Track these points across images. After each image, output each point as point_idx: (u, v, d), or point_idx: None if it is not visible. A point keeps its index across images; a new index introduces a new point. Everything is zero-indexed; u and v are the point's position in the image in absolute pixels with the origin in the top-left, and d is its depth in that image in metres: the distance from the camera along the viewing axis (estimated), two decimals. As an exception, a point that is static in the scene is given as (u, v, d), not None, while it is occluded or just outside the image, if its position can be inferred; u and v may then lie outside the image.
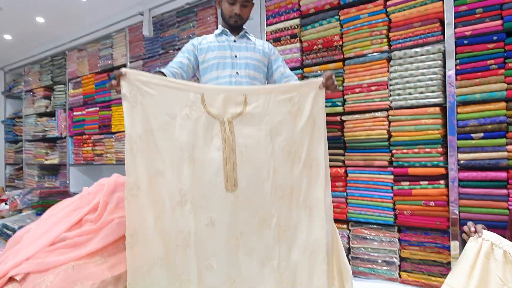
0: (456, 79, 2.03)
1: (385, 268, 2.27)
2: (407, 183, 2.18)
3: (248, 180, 1.63)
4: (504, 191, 1.90)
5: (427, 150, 2.12)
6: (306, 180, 1.71)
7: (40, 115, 5.03)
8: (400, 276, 2.22)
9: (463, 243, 2.05)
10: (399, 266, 2.23)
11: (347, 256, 2.10)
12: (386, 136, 2.27)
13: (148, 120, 1.57)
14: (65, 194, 3.88)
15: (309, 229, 1.69)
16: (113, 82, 1.56)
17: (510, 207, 1.87)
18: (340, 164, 2.43)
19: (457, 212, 2.02)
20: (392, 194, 2.24)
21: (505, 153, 1.90)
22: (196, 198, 1.59)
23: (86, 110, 4.25)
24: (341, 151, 2.43)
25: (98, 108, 4.11)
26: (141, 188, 1.56)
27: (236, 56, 1.97)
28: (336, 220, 1.80)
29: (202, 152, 1.61)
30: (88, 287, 1.44)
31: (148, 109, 1.57)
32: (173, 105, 1.59)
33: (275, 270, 1.65)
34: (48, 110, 4.86)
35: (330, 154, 2.15)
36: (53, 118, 4.77)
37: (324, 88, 1.72)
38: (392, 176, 2.24)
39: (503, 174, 1.91)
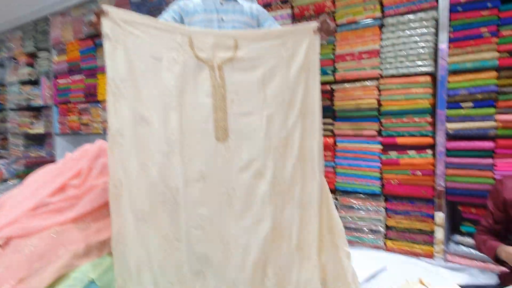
0: (449, 48, 1.99)
1: (371, 236, 2.30)
2: (395, 152, 2.18)
3: (239, 129, 1.57)
4: (490, 161, 1.91)
5: (416, 119, 2.11)
6: (301, 130, 1.64)
7: (24, 83, 4.88)
8: (385, 244, 2.26)
9: (448, 214, 2.09)
10: (385, 234, 2.26)
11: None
12: (376, 106, 2.24)
13: (131, 62, 1.48)
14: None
15: (303, 182, 1.63)
16: (93, 18, 1.45)
17: (495, 177, 1.89)
18: (329, 133, 2.42)
19: (443, 184, 2.03)
20: (380, 164, 2.25)
21: (494, 123, 1.90)
22: (185, 148, 1.51)
23: (71, 78, 4.13)
24: (330, 121, 2.41)
25: (83, 76, 3.99)
26: (124, 135, 1.45)
27: (222, 19, 1.89)
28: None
29: (190, 98, 1.53)
30: (72, 251, 1.42)
31: (132, 51, 1.48)
32: (159, 47, 1.51)
33: (269, 229, 1.56)
34: (32, 78, 4.72)
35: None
36: (37, 86, 4.64)
37: (319, 33, 1.66)
38: (380, 146, 2.24)
39: (490, 144, 1.91)
